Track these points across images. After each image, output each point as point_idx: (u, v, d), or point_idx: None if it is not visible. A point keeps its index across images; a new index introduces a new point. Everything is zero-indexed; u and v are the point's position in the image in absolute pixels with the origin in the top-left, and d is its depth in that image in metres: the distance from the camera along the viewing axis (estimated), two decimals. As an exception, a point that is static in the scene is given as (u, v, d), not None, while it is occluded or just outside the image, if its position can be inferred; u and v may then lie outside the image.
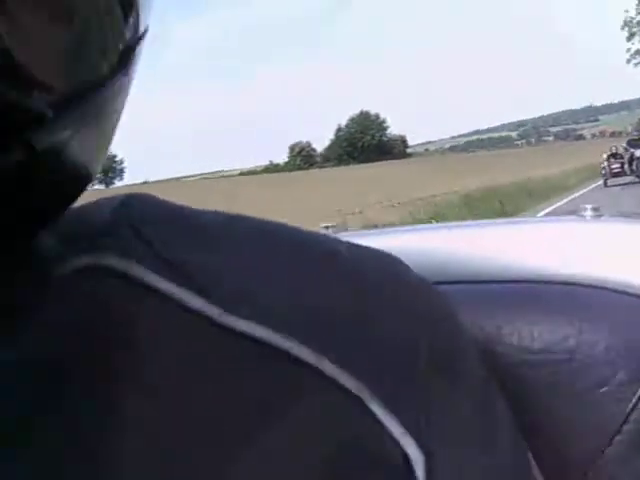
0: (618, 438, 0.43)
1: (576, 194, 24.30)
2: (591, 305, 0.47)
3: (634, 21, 43.54)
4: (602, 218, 0.55)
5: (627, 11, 44.60)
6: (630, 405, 0.43)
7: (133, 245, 0.32)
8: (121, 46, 0.29)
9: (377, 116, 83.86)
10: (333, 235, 0.47)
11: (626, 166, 26.50)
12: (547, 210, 19.49)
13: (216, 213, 0.37)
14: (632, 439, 0.43)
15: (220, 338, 0.31)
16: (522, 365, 0.45)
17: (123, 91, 0.31)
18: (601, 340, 0.44)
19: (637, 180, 25.14)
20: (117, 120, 0.32)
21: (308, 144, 78.58)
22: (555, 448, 0.45)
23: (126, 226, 0.33)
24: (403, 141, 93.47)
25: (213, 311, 0.31)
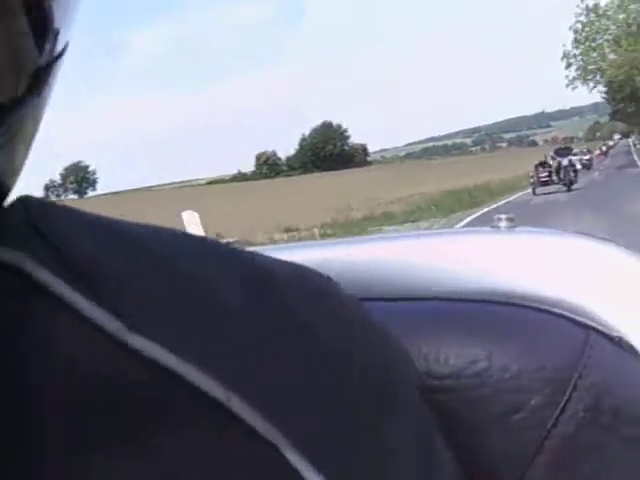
0: (530, 471, 0.41)
1: (528, 190, 28.69)
2: (502, 324, 0.45)
3: (570, 54, 49.87)
4: (516, 229, 0.53)
5: (564, 45, 50.66)
6: (545, 432, 0.41)
7: (30, 241, 0.29)
8: (32, 67, 0.28)
9: (339, 126, 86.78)
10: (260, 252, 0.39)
11: (554, 175, 27.89)
12: (506, 200, 26.84)
13: (139, 225, 0.33)
14: (547, 470, 0.41)
15: (121, 361, 0.27)
16: (430, 391, 0.41)
17: (37, 111, 0.30)
18: (512, 364, 0.42)
19: (564, 189, 26.43)
20: (31, 139, 0.31)
21: (274, 153, 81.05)
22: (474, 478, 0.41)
23: (23, 222, 0.30)
24: (364, 149, 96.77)
25: (115, 326, 0.28)
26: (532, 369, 0.42)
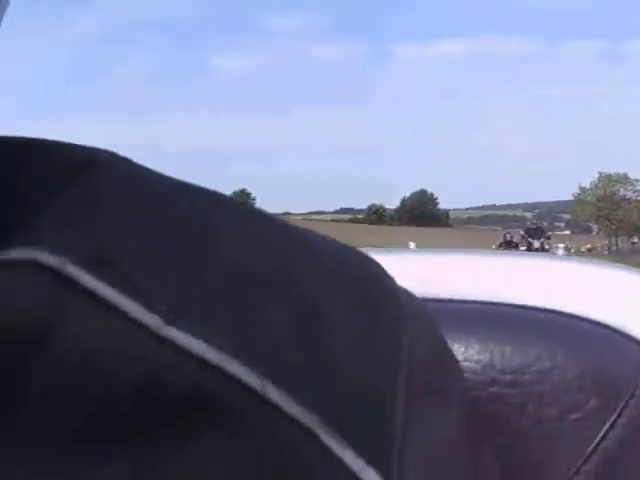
0: (585, 468, 0.42)
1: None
2: (562, 330, 0.46)
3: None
4: (571, 258, 0.58)
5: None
6: (600, 434, 0.42)
7: (48, 231, 0.27)
8: None
9: (432, 194, 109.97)
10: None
11: None
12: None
13: (181, 189, 0.31)
14: (599, 470, 0.42)
15: (159, 353, 0.26)
16: (493, 384, 0.43)
17: None
18: (574, 365, 0.43)
19: None
20: None
21: (382, 206, 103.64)
22: (522, 474, 0.43)
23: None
24: (447, 214, 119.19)
25: (152, 320, 0.26)
26: (592, 372, 0.43)
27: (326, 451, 0.27)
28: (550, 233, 25.36)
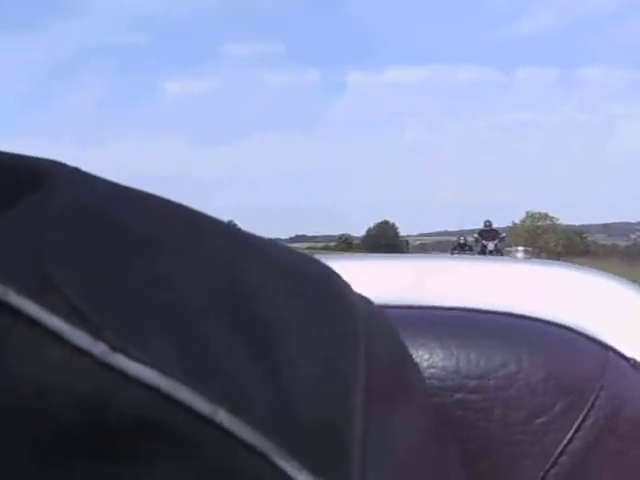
0: (553, 470, 0.42)
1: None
2: (528, 334, 0.47)
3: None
4: (533, 260, 0.57)
5: None
6: (568, 436, 0.42)
7: None
8: None
9: (393, 224, 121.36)
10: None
11: None
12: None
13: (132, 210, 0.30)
14: (568, 471, 0.42)
15: (105, 382, 0.25)
16: (459, 390, 0.43)
17: None
18: (539, 369, 0.43)
19: None
20: None
21: (349, 235, 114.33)
22: (491, 479, 0.43)
23: None
24: (407, 242, 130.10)
25: (97, 348, 0.25)
26: (558, 376, 0.43)
27: (282, 475, 0.26)
28: (504, 234, 25.44)
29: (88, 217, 0.28)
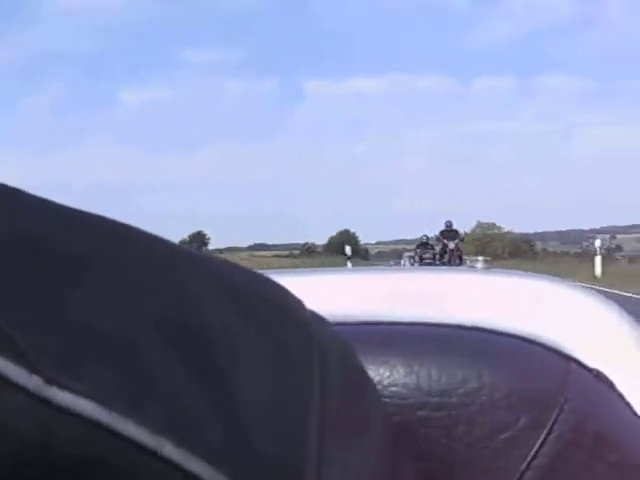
0: None
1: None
2: (489, 348, 0.46)
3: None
4: (493, 270, 0.56)
5: None
6: (532, 451, 0.42)
7: None
8: None
9: (354, 233, 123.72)
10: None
11: (437, 259, 23.73)
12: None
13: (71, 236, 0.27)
14: None
15: (41, 417, 0.23)
16: (421, 408, 0.42)
17: None
18: (501, 384, 0.43)
19: None
20: None
21: (313, 243, 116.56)
22: None
23: None
24: (366, 250, 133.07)
25: (32, 381, 0.24)
26: (520, 390, 0.43)
27: None
28: (464, 235, 26.81)
29: (23, 243, 0.26)
